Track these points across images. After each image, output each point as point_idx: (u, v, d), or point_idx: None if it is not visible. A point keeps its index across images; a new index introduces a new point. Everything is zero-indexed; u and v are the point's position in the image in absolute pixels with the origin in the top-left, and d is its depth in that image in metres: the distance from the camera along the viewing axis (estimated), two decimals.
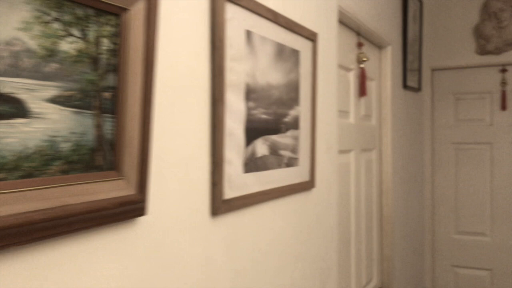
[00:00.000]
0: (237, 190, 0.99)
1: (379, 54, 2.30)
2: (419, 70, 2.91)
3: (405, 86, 2.56)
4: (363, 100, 2.07)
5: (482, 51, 2.95)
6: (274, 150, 1.15)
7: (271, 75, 1.13)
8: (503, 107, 2.92)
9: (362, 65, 1.97)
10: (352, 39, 1.94)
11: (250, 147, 1.04)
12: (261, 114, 1.08)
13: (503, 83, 2.93)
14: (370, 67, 2.17)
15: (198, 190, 0.89)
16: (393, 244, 2.34)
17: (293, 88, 1.25)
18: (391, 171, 2.31)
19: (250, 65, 1.04)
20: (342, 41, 1.83)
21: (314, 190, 1.42)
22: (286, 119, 1.21)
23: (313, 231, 1.43)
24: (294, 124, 1.26)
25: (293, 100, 1.25)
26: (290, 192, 1.25)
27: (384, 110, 2.30)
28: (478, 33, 2.95)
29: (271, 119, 1.13)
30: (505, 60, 2.89)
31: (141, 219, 0.75)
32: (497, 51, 2.90)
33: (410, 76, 2.70)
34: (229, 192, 0.96)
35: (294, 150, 1.26)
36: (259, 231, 1.11)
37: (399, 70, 2.50)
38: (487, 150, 2.98)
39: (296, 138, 1.27)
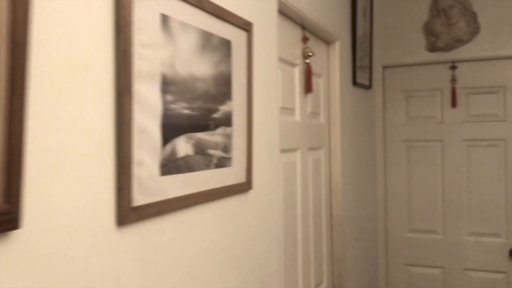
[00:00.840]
0: (152, 196, 0.87)
1: (327, 50, 2.22)
2: (370, 67, 2.87)
3: (355, 83, 2.50)
4: (310, 97, 1.99)
5: (432, 48, 2.94)
6: (200, 149, 1.03)
7: (195, 66, 1.01)
8: (453, 104, 2.92)
9: (307, 60, 1.89)
10: (296, 33, 1.85)
11: (169, 146, 0.93)
12: (183, 109, 0.97)
13: (453, 80, 2.93)
14: (317, 63, 2.09)
15: (99, 197, 0.76)
16: (344, 245, 2.27)
17: (224, 82, 1.14)
18: (341, 170, 2.25)
19: (167, 53, 0.92)
20: (286, 35, 1.74)
21: (252, 192, 1.31)
22: (216, 115, 1.10)
23: (253, 235, 1.33)
24: (226, 121, 1.15)
25: (224, 95, 1.14)
26: (222, 195, 1.14)
27: (333, 108, 2.23)
28: (428, 30, 2.94)
29: (196, 115, 1.01)
30: (454, 57, 2.89)
31: (16, 233, 0.62)
32: (447, 48, 2.89)
33: (361, 73, 2.65)
34: (140, 197, 0.83)
35: (226, 149, 1.15)
36: (183, 241, 0.99)
37: (349, 66, 2.44)
38: (438, 147, 2.98)
39: (228, 136, 1.16)
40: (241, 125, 1.23)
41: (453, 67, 2.93)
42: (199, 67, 1.03)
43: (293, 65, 1.82)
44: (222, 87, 1.13)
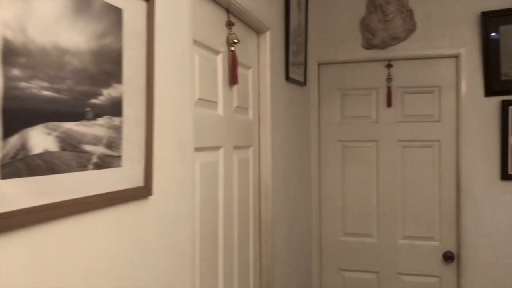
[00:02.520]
0: None
1: (257, 40, 2.03)
2: (305, 63, 2.71)
3: (288, 78, 2.33)
4: (236, 89, 1.78)
5: (369, 45, 2.83)
6: (70, 144, 0.79)
7: (64, 35, 0.77)
8: (389, 103, 2.83)
9: (232, 48, 1.68)
10: (220, 16, 1.64)
11: (16, 139, 0.68)
12: (41, 89, 0.72)
13: (389, 78, 2.83)
14: (246, 54, 1.89)
15: None
16: (273, 253, 2.08)
17: (110, 59, 0.90)
18: (271, 170, 2.06)
19: (14, 11, 0.67)
20: (206, 17, 1.52)
21: (152, 199, 1.08)
22: (97, 101, 0.86)
23: (153, 251, 1.10)
24: (113, 109, 0.91)
25: (111, 75, 0.90)
26: (106, 204, 0.90)
27: (263, 103, 2.04)
28: (365, 26, 2.82)
29: (64, 99, 0.77)
30: (390, 55, 2.80)
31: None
32: (383, 45, 2.79)
33: (295, 69, 2.48)
34: None
35: (112, 145, 0.91)
36: (41, 267, 0.75)
37: (281, 60, 2.26)
38: (373, 148, 2.87)
39: (116, 129, 0.92)
40: (136, 115, 0.99)
41: (389, 66, 2.83)
42: (70, 37, 0.78)
43: (215, 52, 1.61)
44: (107, 66, 0.89)
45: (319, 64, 2.95)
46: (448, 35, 2.68)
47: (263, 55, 2.03)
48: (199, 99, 1.45)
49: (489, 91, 2.60)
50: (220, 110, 1.63)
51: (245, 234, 1.88)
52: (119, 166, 0.93)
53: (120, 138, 0.94)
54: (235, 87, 1.76)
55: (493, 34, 2.55)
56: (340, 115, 2.94)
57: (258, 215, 2.04)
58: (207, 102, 1.53)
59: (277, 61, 2.19)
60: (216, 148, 1.60)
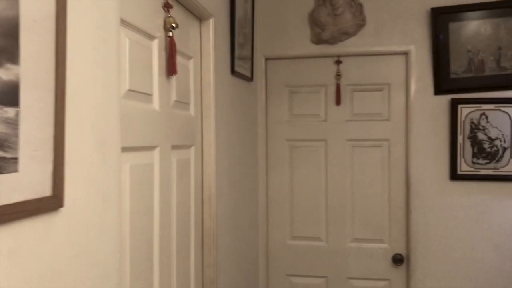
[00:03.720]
0: None
1: (199, 27, 1.83)
2: (252, 58, 2.55)
3: (234, 71, 2.15)
4: (175, 82, 1.58)
5: (318, 40, 2.71)
6: None
7: None
8: (338, 101, 2.72)
9: (170, 34, 1.47)
10: None
11: None
12: None
13: (338, 75, 2.72)
14: (187, 42, 1.69)
15: None
16: (216, 263, 1.90)
17: (0, 30, 0.68)
18: (215, 172, 1.87)
19: None
20: None
21: (64, 211, 0.86)
22: None
23: (68, 273, 0.88)
24: (4, 96, 0.69)
25: (0, 52, 0.68)
26: None
27: (206, 98, 1.85)
28: (314, 20, 2.70)
29: None
30: (340, 51, 2.69)
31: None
32: (333, 40, 2.67)
33: (241, 63, 2.30)
34: None
35: (3, 144, 0.69)
36: None
37: (226, 51, 2.08)
38: (322, 147, 2.76)
39: (10, 123, 0.70)
40: (41, 106, 0.78)
41: (338, 62, 2.72)
42: None
43: (151, 37, 1.40)
44: None
45: (266, 59, 2.79)
46: (398, 31, 2.61)
47: (206, 45, 1.83)
48: (130, 90, 1.24)
49: (439, 89, 2.55)
50: (156, 104, 1.43)
51: (186, 244, 1.68)
52: (14, 171, 0.72)
53: (16, 135, 0.72)
54: (174, 79, 1.56)
55: (441, 35, 2.50)
56: (288, 113, 2.80)
57: (201, 222, 1.85)
58: (140, 94, 1.32)
59: (222, 52, 2.00)
60: (151, 148, 1.39)
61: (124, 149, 1.20)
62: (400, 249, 2.65)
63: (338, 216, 2.72)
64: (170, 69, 1.47)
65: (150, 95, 1.39)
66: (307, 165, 2.76)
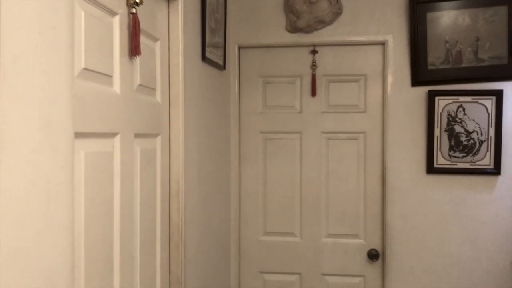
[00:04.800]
0: None
1: (167, 7, 1.70)
2: (224, 45, 2.42)
3: (205, 58, 2.03)
4: (139, 64, 1.44)
5: (293, 29, 2.61)
6: None
7: None
8: (313, 93, 2.63)
9: (134, 10, 1.34)
10: None
11: None
12: None
13: (314, 65, 2.63)
14: (153, 22, 1.56)
15: None
16: (183, 261, 1.78)
17: None
18: (183, 164, 1.75)
19: None
20: None
21: None
22: None
23: (4, 282, 0.75)
24: None
25: None
26: None
27: (174, 84, 1.72)
28: (289, 7, 2.59)
29: None
30: (316, 40, 2.59)
31: None
32: (309, 29, 2.58)
33: (213, 50, 2.18)
34: None
35: None
36: None
37: (197, 35, 1.95)
38: (297, 140, 2.66)
39: None
40: None
41: (314, 52, 2.63)
42: None
43: (111, 13, 1.27)
44: None
45: (240, 48, 2.68)
46: (376, 21, 2.53)
47: (174, 27, 1.71)
48: (85, 69, 1.11)
49: (416, 81, 2.49)
50: (117, 87, 1.29)
51: (151, 241, 1.56)
52: None
53: None
54: (138, 61, 1.43)
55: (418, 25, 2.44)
56: (262, 104, 2.70)
57: (168, 218, 1.72)
58: (98, 74, 1.18)
59: (192, 36, 1.88)
60: (111, 135, 1.26)
61: (79, 135, 1.07)
62: (376, 245, 2.59)
63: (312, 211, 2.64)
64: (133, 49, 1.34)
65: (110, 76, 1.25)
66: (281, 158, 2.67)
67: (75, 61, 1.06)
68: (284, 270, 2.69)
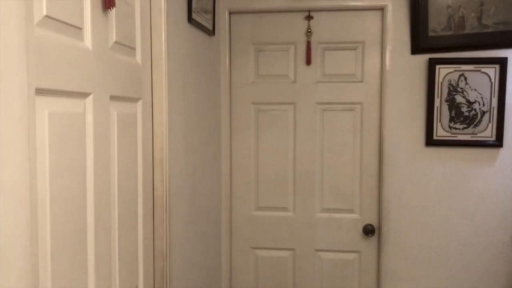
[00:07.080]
0: None
1: None
2: (213, 10, 2.28)
3: (191, 19, 1.88)
4: (115, 18, 1.31)
5: None
6: None
7: None
8: (308, 61, 2.49)
9: None
10: None
11: None
12: None
13: (309, 32, 2.49)
14: None
15: None
16: (170, 235, 1.68)
17: None
18: (167, 133, 1.63)
19: None
20: None
21: None
22: None
23: None
24: None
25: None
26: None
27: (156, 44, 1.59)
28: None
29: None
30: (311, 5, 2.45)
31: None
32: None
33: (201, 12, 2.04)
34: None
35: None
36: None
37: None
38: (290, 111, 2.54)
39: None
40: None
41: (309, 17, 2.49)
42: None
43: None
44: None
45: (230, 13, 2.53)
46: None
47: None
48: (47, 16, 0.97)
49: (416, 48, 2.36)
50: (88, 41, 1.16)
51: (132, 214, 1.45)
52: None
53: None
54: (113, 15, 1.29)
55: None
56: (254, 74, 2.56)
57: (151, 189, 1.61)
58: (64, 25, 1.05)
59: None
60: (81, 94, 1.13)
61: (41, 91, 0.94)
62: (371, 220, 2.50)
63: (306, 185, 2.53)
64: (108, 1, 1.20)
65: (79, 28, 1.12)
66: (274, 130, 2.55)
67: (35, 7, 0.93)
68: (277, 246, 2.60)
